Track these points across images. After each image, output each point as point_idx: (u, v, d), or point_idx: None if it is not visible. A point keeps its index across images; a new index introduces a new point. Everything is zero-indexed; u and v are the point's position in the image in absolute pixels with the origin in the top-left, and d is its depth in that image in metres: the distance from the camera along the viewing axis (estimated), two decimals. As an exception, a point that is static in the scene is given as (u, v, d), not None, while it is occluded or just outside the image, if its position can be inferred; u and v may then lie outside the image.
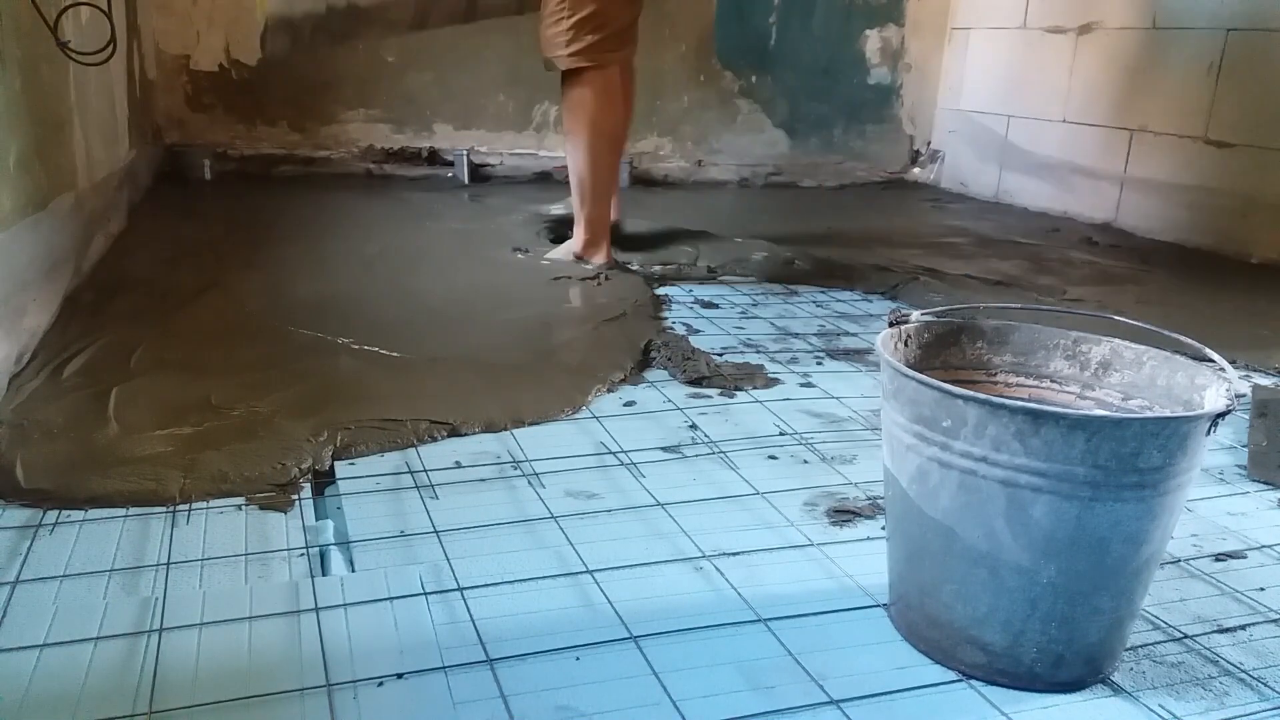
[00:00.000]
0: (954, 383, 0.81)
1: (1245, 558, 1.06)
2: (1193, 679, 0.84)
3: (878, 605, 0.93)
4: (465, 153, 3.24)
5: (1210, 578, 1.02)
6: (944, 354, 0.95)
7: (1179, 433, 0.74)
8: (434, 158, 3.31)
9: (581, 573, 0.97)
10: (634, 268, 2.21)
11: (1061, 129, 3.20)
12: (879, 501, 1.14)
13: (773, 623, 0.89)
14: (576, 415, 1.37)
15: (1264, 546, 1.09)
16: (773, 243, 2.49)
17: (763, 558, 1.01)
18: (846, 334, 1.83)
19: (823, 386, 1.54)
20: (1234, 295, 2.24)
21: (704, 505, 1.13)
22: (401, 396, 1.37)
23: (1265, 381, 1.62)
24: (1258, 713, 0.80)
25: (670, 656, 0.84)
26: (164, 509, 1.05)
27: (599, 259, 2.16)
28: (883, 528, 1.07)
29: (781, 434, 1.34)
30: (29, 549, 0.96)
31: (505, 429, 1.31)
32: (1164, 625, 0.92)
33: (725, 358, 1.64)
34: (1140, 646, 0.88)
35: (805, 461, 1.26)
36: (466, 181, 3.24)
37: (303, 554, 0.98)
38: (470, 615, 0.88)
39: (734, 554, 1.01)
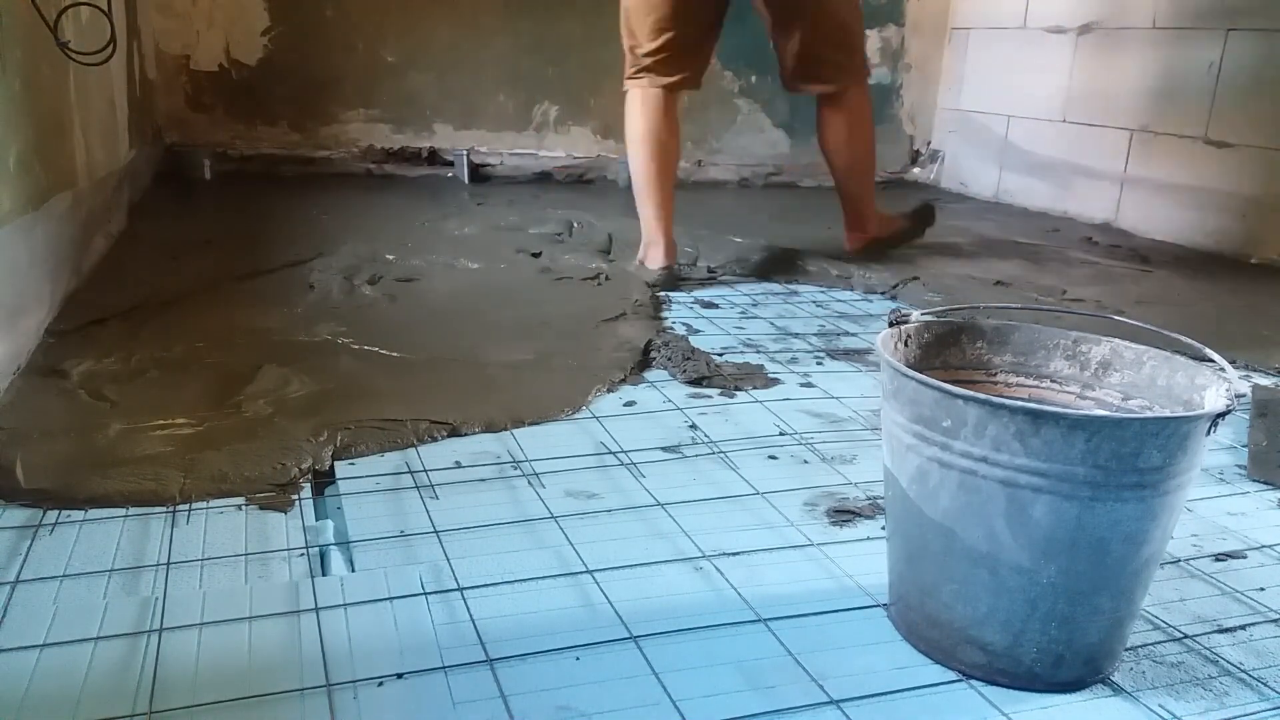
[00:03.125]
0: (954, 383, 0.81)
1: (1245, 558, 1.06)
2: (1193, 679, 0.84)
3: (878, 605, 0.93)
4: (465, 153, 3.24)
5: (1210, 578, 1.02)
6: (944, 354, 0.94)
7: (1179, 433, 0.74)
8: (434, 158, 3.31)
9: (581, 573, 0.97)
10: (630, 269, 2.21)
11: (1061, 129, 3.20)
12: (879, 501, 1.14)
13: (773, 623, 0.89)
14: (576, 415, 1.37)
15: (1264, 546, 1.09)
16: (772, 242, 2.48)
17: (763, 558, 1.01)
18: (846, 334, 1.83)
19: (823, 386, 1.54)
20: (1234, 295, 2.24)
21: (704, 505, 1.13)
22: (401, 396, 1.37)
23: (1265, 381, 1.62)
24: (1258, 713, 0.80)
25: (670, 656, 0.84)
26: (164, 509, 1.05)
27: (656, 263, 2.15)
28: (883, 528, 1.07)
29: (781, 434, 1.34)
30: (29, 549, 0.96)
31: (505, 429, 1.31)
32: (1164, 625, 0.92)
33: (725, 358, 1.64)
34: (1140, 646, 0.88)
35: (805, 461, 1.26)
36: (467, 181, 3.24)
37: (303, 554, 0.98)
38: (470, 615, 0.88)
39: (734, 554, 1.01)
